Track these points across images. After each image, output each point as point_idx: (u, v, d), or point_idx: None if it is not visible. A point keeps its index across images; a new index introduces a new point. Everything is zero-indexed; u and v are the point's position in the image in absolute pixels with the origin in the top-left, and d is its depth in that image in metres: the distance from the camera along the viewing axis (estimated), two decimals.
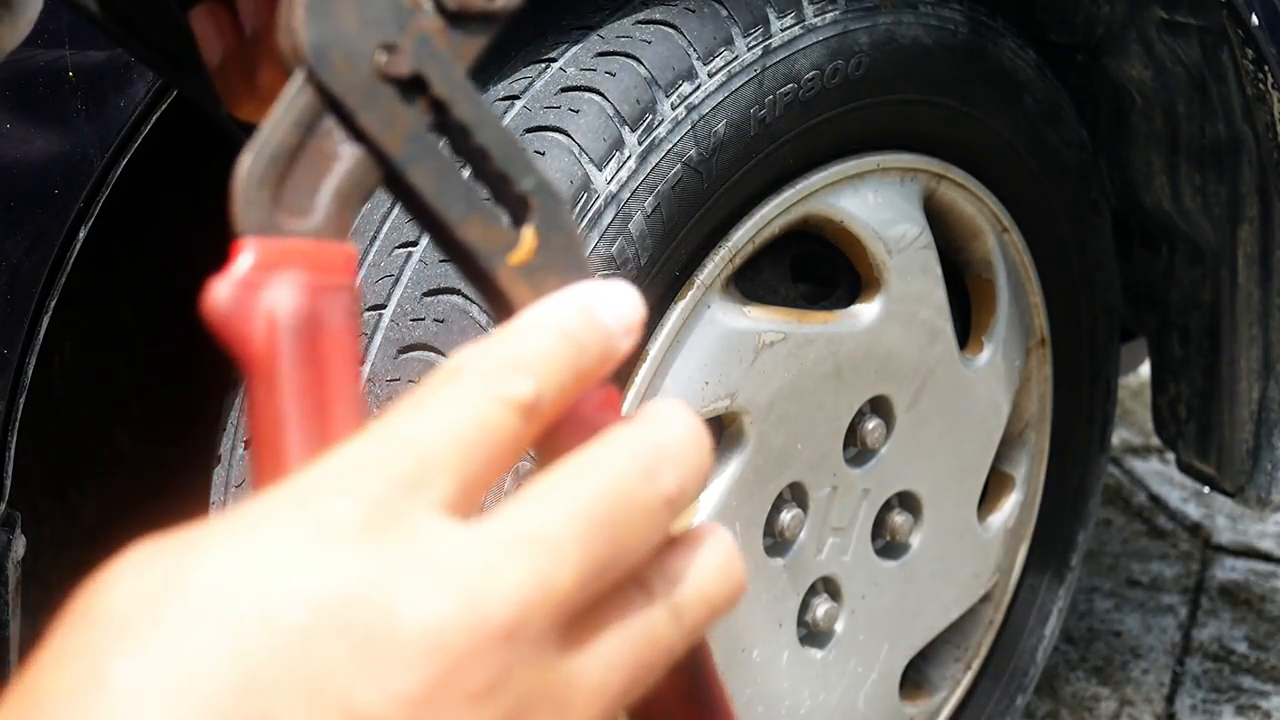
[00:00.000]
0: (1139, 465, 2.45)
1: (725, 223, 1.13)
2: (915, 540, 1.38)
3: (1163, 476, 2.41)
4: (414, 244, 1.04)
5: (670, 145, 1.06)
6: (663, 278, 1.09)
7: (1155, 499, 2.36)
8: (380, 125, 0.38)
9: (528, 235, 0.40)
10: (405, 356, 1.01)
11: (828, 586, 1.32)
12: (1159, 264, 1.54)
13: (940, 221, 1.33)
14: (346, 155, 0.39)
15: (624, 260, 1.04)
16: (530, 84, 1.08)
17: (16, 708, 0.31)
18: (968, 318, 1.40)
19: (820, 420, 1.23)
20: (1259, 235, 1.39)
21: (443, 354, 1.00)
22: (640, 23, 1.10)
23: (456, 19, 0.40)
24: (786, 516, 1.24)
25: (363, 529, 0.33)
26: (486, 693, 0.32)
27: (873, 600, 1.35)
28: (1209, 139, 1.38)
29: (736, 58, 1.09)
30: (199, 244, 0.79)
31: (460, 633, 0.32)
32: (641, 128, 1.05)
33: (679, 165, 1.06)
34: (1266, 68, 1.26)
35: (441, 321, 1.01)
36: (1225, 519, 2.31)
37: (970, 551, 1.45)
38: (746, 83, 1.10)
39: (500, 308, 0.41)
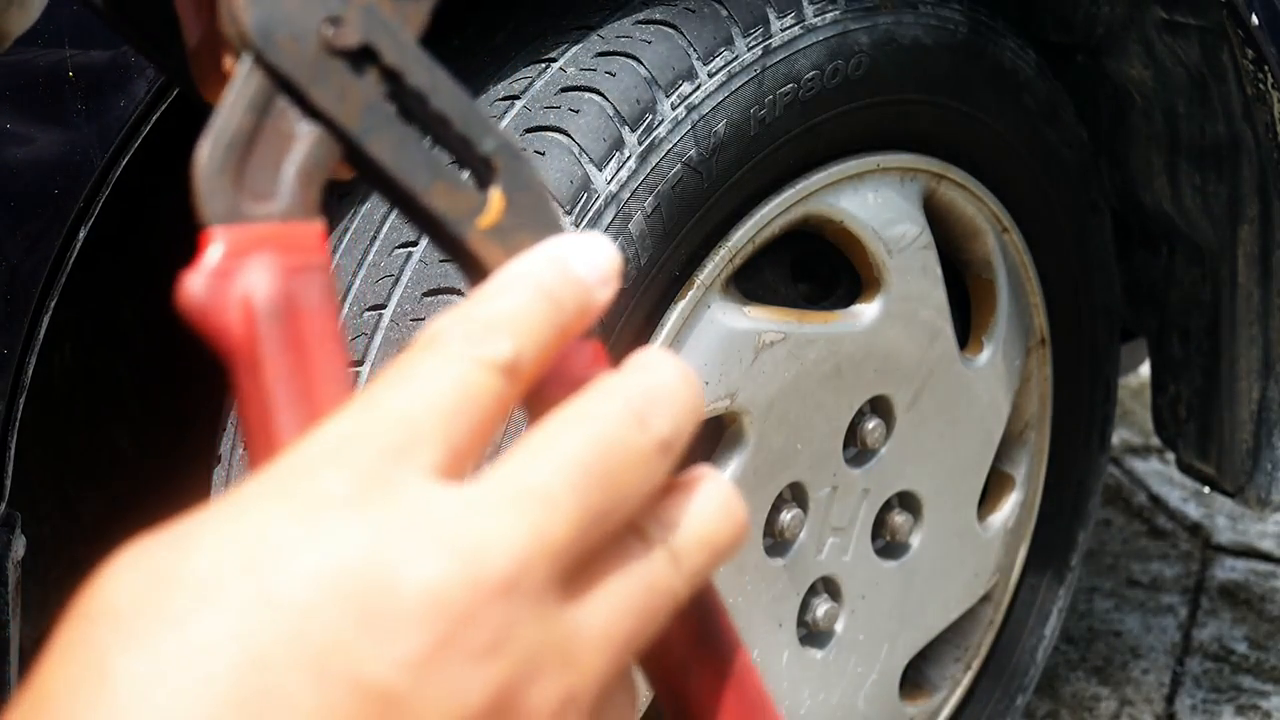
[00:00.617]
0: (1139, 465, 2.45)
1: (725, 223, 1.13)
2: (915, 540, 1.38)
3: (1163, 476, 2.41)
4: (414, 244, 1.04)
5: (670, 145, 1.06)
6: (663, 278, 1.09)
7: (1155, 499, 2.36)
8: (333, 99, 0.38)
9: (495, 197, 0.40)
10: None
11: (828, 586, 1.32)
12: (1159, 264, 1.54)
13: (940, 221, 1.33)
14: (305, 133, 0.38)
15: (624, 260, 1.04)
16: (530, 84, 1.08)
17: (24, 712, 0.31)
18: (968, 318, 1.40)
19: (820, 420, 1.23)
20: (1259, 235, 1.39)
21: None
22: (640, 23, 1.10)
23: None
24: (786, 516, 1.24)
25: (354, 500, 0.33)
26: (491, 650, 0.32)
27: (873, 600, 1.35)
28: (1209, 139, 1.38)
29: (736, 58, 1.09)
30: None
31: (460, 591, 0.32)
32: (641, 128, 1.05)
33: (679, 165, 1.06)
34: (1266, 68, 1.26)
35: None
36: (1225, 519, 2.30)
37: (970, 551, 1.45)
38: (746, 83, 1.09)
39: (474, 272, 0.40)
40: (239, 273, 0.36)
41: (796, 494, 1.25)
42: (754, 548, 1.22)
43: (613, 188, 1.04)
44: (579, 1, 1.14)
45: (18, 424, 0.95)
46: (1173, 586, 2.14)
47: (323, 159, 0.39)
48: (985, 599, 1.51)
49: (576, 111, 1.05)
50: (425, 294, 1.02)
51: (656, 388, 0.37)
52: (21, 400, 0.94)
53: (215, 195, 0.37)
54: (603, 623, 0.35)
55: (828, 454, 1.25)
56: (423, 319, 1.01)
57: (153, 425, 1.43)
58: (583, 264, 0.38)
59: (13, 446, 0.96)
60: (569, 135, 1.04)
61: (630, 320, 1.07)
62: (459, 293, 1.00)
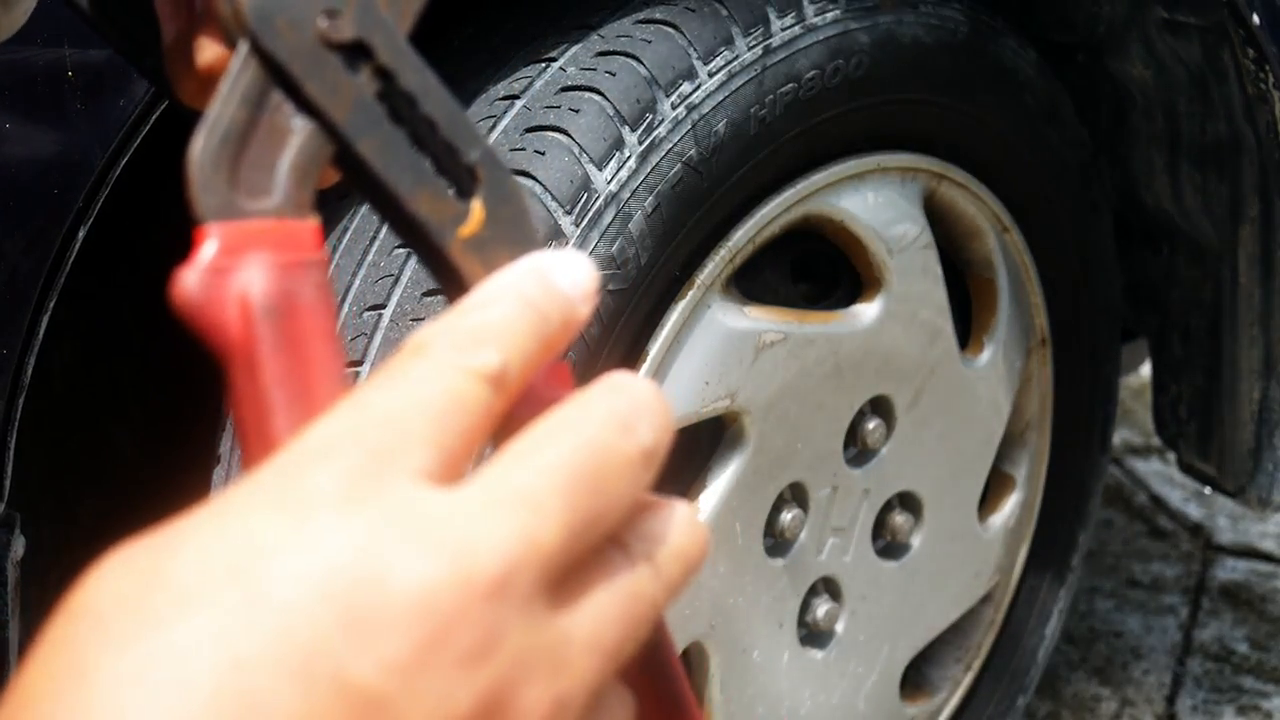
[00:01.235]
0: (1140, 465, 2.45)
1: (725, 223, 1.12)
2: (916, 540, 1.38)
3: (1164, 477, 2.41)
4: None
5: (670, 145, 1.06)
6: (663, 278, 1.08)
7: (1156, 499, 2.36)
8: (326, 94, 0.38)
9: (476, 207, 0.40)
10: None
11: (828, 587, 1.32)
12: (1160, 264, 1.54)
13: (941, 221, 1.32)
14: (299, 129, 0.38)
15: (624, 260, 1.04)
16: (530, 84, 1.08)
17: (5, 711, 0.31)
18: (968, 318, 1.40)
19: (821, 420, 1.23)
20: (1260, 235, 1.39)
21: None
22: (640, 22, 1.10)
23: None
24: (787, 517, 1.23)
25: (343, 500, 0.32)
26: (479, 654, 0.32)
27: (873, 601, 1.35)
28: (1210, 138, 1.38)
29: (737, 57, 1.09)
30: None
31: (448, 593, 0.32)
32: (642, 127, 1.05)
33: (679, 165, 1.06)
34: (1267, 67, 1.26)
35: None
36: (1226, 519, 2.30)
37: (971, 552, 1.45)
38: (747, 82, 1.09)
39: (450, 281, 0.40)
40: (235, 270, 0.36)
41: (797, 494, 1.25)
42: (754, 548, 1.22)
43: (613, 187, 1.04)
44: (579, 1, 1.14)
45: (17, 424, 0.95)
46: (1174, 587, 2.13)
47: (316, 155, 0.38)
48: (986, 599, 1.51)
49: (576, 111, 1.05)
50: (425, 294, 1.02)
51: (637, 399, 0.37)
52: (21, 400, 0.94)
53: (210, 191, 0.37)
54: (591, 629, 0.35)
55: (828, 454, 1.25)
56: (422, 319, 1.01)
57: (153, 425, 1.43)
58: (566, 280, 0.39)
59: (12, 446, 0.96)
60: (569, 135, 1.04)
61: (630, 320, 1.07)
62: None
